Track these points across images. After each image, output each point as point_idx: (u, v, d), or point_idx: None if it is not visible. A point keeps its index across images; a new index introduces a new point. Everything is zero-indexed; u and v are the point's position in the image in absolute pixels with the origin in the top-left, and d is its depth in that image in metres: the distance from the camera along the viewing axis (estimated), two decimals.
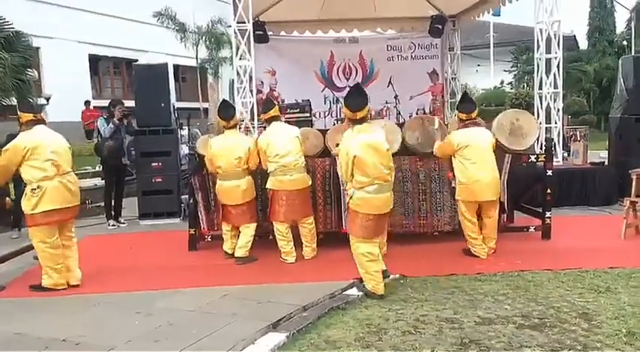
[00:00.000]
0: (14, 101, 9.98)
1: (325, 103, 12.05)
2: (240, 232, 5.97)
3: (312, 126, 8.56)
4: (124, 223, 8.19)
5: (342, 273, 5.20)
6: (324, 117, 11.82)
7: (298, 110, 9.77)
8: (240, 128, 6.90)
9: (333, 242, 6.10)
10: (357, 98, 4.68)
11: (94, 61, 19.69)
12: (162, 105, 8.40)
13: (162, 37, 19.29)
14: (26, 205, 5.01)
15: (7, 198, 7.28)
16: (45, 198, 4.96)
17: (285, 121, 6.67)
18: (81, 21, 17.90)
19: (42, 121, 5.29)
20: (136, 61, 17.29)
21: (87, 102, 17.16)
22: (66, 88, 16.20)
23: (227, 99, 7.95)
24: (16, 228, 7.54)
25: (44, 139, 5.10)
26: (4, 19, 10.19)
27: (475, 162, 5.59)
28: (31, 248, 5.84)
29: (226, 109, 6.06)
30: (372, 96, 11.45)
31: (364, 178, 4.54)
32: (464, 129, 5.77)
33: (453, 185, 5.90)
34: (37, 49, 15.38)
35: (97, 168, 10.56)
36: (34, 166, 4.97)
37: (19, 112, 5.27)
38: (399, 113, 11.63)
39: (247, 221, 5.93)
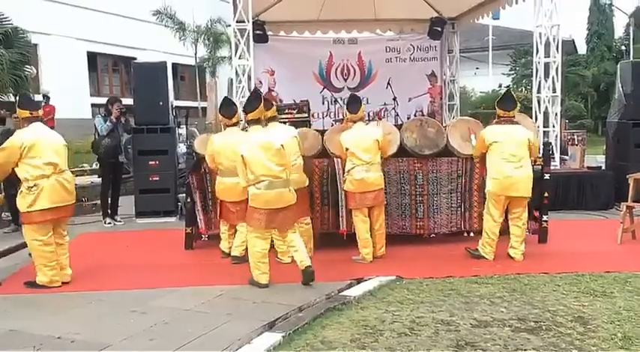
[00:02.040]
0: (11, 97, 9.96)
1: (323, 104, 12.05)
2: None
3: (310, 127, 8.56)
4: (120, 221, 8.16)
5: (338, 274, 5.20)
6: (323, 117, 11.81)
7: (297, 110, 9.77)
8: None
9: (329, 243, 6.09)
10: (250, 102, 5.21)
11: (93, 58, 19.63)
12: (161, 103, 8.39)
13: (161, 36, 19.25)
14: (22, 203, 4.96)
15: (0, 195, 7.24)
16: (41, 196, 4.91)
17: (283, 121, 6.65)
18: (79, 18, 17.85)
19: (39, 118, 5.25)
20: (135, 59, 17.25)
21: (45, 97, 14.33)
22: (64, 84, 16.13)
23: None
24: (13, 223, 7.50)
25: (41, 137, 5.06)
26: (3, 14, 10.16)
27: (505, 157, 5.57)
28: (26, 245, 5.83)
29: (229, 107, 6.06)
30: (370, 97, 11.80)
31: (251, 176, 4.92)
32: (496, 125, 5.82)
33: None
34: (36, 45, 15.33)
35: (94, 166, 10.53)
36: (31, 164, 4.92)
37: (17, 109, 5.22)
38: (398, 115, 11.64)
39: (245, 219, 5.90)
